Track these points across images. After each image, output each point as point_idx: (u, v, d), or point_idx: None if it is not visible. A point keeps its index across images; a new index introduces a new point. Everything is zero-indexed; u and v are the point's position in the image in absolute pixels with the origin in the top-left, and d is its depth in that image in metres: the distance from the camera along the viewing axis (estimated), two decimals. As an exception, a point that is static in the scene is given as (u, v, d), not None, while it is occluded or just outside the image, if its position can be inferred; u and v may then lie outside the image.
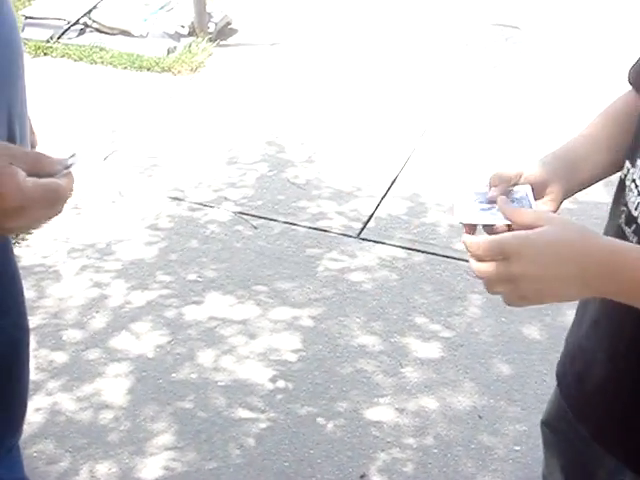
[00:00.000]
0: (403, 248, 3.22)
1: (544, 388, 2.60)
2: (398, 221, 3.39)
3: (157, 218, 3.42)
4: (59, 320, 2.87)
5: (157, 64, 4.66)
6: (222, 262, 3.16)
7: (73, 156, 1.15)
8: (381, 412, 2.54)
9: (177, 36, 4.93)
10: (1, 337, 1.68)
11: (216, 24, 5.00)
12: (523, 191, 1.09)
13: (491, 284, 0.94)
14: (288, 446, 2.42)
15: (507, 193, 1.07)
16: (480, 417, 2.52)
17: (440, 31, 5.09)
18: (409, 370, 2.69)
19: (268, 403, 2.56)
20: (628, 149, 1.15)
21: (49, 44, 4.79)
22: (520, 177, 1.11)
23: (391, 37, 5.00)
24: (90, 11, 4.98)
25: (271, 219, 3.40)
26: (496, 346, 2.78)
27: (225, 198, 3.54)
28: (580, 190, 1.19)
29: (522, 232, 0.93)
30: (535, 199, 1.08)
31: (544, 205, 1.11)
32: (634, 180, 1.08)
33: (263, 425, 2.49)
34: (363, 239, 3.30)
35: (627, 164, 1.13)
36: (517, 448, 2.41)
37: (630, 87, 1.23)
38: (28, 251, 3.21)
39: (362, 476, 2.33)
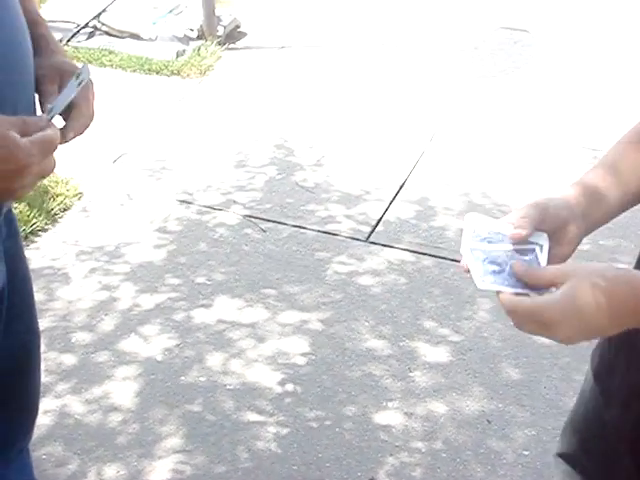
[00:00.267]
0: (412, 252, 3.22)
1: (553, 393, 2.59)
2: (407, 225, 3.38)
3: (166, 221, 3.42)
4: (68, 323, 2.88)
5: (166, 67, 4.66)
6: (231, 265, 3.16)
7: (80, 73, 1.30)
8: (390, 416, 2.53)
9: (186, 39, 4.93)
10: (14, 341, 1.69)
11: (225, 27, 5.00)
12: (537, 241, 1.06)
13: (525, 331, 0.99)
14: (297, 450, 2.42)
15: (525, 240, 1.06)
16: (489, 422, 2.52)
17: (449, 35, 5.08)
18: (418, 374, 2.68)
19: (277, 407, 2.56)
20: None
21: (59, 47, 4.80)
22: (544, 220, 1.06)
23: (400, 40, 5.00)
24: (99, 14, 4.99)
25: (280, 222, 3.40)
26: (505, 350, 2.77)
27: (234, 201, 3.54)
28: (602, 225, 1.15)
29: (548, 300, 0.95)
30: (552, 240, 1.06)
31: (560, 247, 1.08)
32: None
33: (272, 429, 2.49)
34: (372, 243, 3.29)
35: None
36: (526, 453, 2.40)
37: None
38: (37, 253, 3.21)
39: (371, 480, 2.33)
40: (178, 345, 2.79)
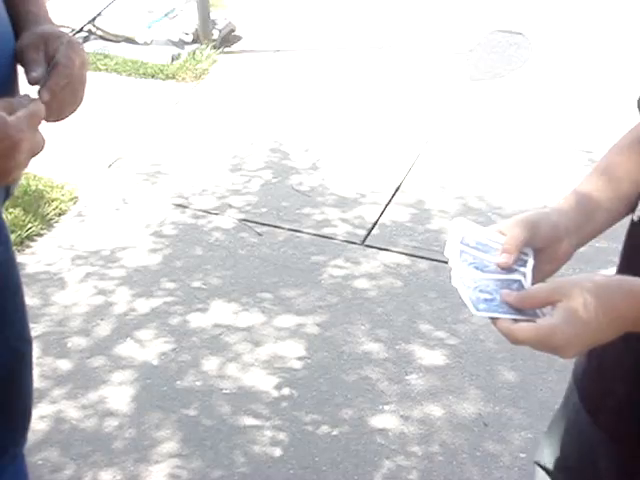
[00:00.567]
0: (407, 255, 3.22)
1: (550, 395, 2.59)
2: (402, 228, 3.38)
3: (161, 225, 3.42)
4: (64, 328, 2.87)
5: (161, 71, 4.67)
6: (227, 269, 3.16)
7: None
8: (386, 419, 2.53)
9: (181, 43, 4.93)
10: (5, 348, 1.68)
11: (220, 31, 5.00)
12: (524, 259, 1.05)
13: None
14: (293, 453, 2.42)
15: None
16: (485, 424, 2.52)
17: (444, 37, 5.09)
18: (414, 377, 2.68)
19: (273, 410, 2.56)
20: None
21: (54, 52, 4.79)
22: (533, 240, 1.06)
23: (395, 44, 5.00)
24: (94, 18, 4.99)
25: (275, 226, 3.40)
26: (501, 353, 2.77)
27: (229, 205, 3.54)
28: (595, 237, 1.15)
29: (554, 325, 0.94)
30: (543, 256, 1.06)
31: (550, 264, 1.07)
32: None
33: (268, 433, 2.48)
34: (367, 246, 3.29)
35: None
36: (523, 455, 2.40)
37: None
38: (32, 259, 3.21)
39: (367, 484, 2.33)
40: (174, 349, 2.79)
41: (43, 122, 1.36)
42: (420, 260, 3.19)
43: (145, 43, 4.91)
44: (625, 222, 1.17)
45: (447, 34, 5.13)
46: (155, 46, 4.89)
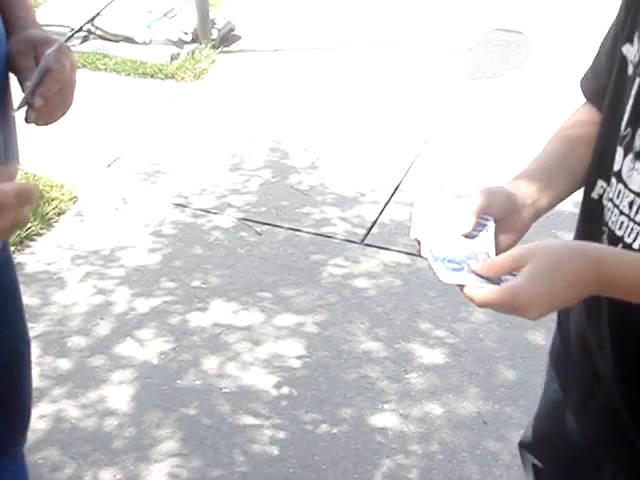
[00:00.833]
0: (407, 254, 3.22)
1: (549, 394, 2.59)
2: (402, 227, 3.38)
3: (161, 225, 3.42)
4: (63, 327, 2.88)
5: (160, 71, 4.67)
6: (226, 268, 3.16)
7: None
8: (386, 418, 2.54)
9: (180, 43, 4.93)
10: (3, 348, 1.69)
11: (219, 31, 5.00)
12: (487, 226, 1.12)
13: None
14: (293, 452, 2.42)
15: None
16: (485, 423, 2.52)
17: (443, 36, 5.09)
18: (414, 376, 2.69)
19: (273, 409, 2.56)
20: (598, 169, 1.14)
21: (53, 51, 4.79)
22: (490, 207, 1.12)
23: (394, 43, 5.00)
24: (94, 18, 4.98)
25: (275, 225, 3.41)
26: (501, 352, 2.77)
27: (229, 204, 3.54)
28: (548, 211, 1.21)
29: (517, 286, 0.97)
30: (502, 227, 1.12)
31: (510, 234, 1.12)
32: (611, 199, 1.08)
33: (268, 432, 2.49)
34: (367, 245, 3.30)
35: (601, 183, 1.13)
36: (522, 454, 2.40)
37: (581, 99, 1.26)
38: (32, 258, 3.21)
39: (367, 482, 2.33)
40: (174, 349, 2.79)
41: (36, 125, 1.38)
42: (419, 259, 3.18)
43: (144, 43, 4.91)
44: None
45: (446, 33, 5.13)
46: (154, 46, 4.89)
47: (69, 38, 4.88)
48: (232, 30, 5.15)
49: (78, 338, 2.83)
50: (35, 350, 2.63)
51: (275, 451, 2.42)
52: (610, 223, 1.08)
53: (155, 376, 2.69)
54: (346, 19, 5.32)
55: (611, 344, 1.13)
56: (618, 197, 1.06)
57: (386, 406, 2.58)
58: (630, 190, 1.04)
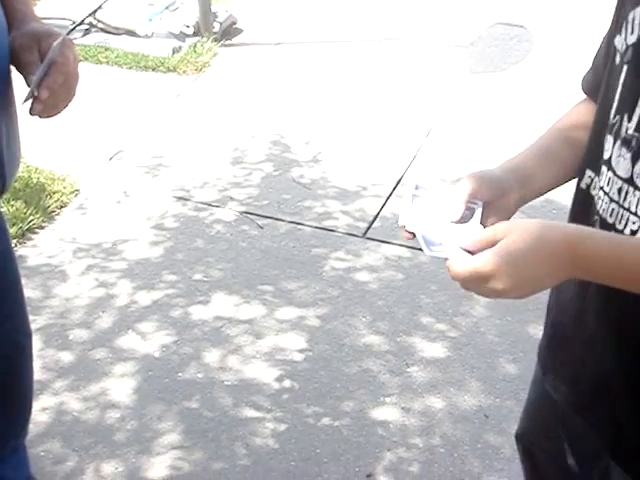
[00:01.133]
0: (409, 248, 3.22)
1: (550, 387, 2.59)
2: (404, 220, 3.37)
3: (162, 218, 3.42)
4: (65, 320, 2.88)
5: (162, 64, 4.66)
6: (228, 262, 3.16)
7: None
8: (387, 412, 2.54)
9: (182, 36, 4.93)
10: (5, 341, 1.69)
11: (221, 24, 4.99)
12: (475, 210, 1.13)
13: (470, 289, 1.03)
14: (294, 445, 2.42)
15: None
16: (486, 416, 2.52)
17: (445, 30, 5.08)
18: (415, 370, 2.69)
19: (274, 402, 2.56)
20: (587, 159, 1.16)
21: (54, 44, 4.78)
22: (478, 191, 1.14)
23: (396, 36, 4.99)
24: (95, 11, 4.98)
25: (277, 219, 3.40)
26: (502, 345, 2.78)
27: (230, 198, 3.54)
28: (534, 199, 1.22)
29: (487, 254, 0.98)
30: (491, 210, 1.13)
31: (496, 217, 1.13)
32: (602, 188, 1.09)
33: (269, 424, 2.49)
34: (369, 239, 3.29)
35: (589, 173, 1.14)
36: (523, 447, 2.41)
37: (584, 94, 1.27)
38: (34, 251, 3.21)
39: (368, 475, 2.33)
40: (176, 342, 2.79)
41: (40, 117, 1.38)
42: (421, 253, 3.17)
43: (146, 36, 4.90)
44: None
45: (448, 27, 5.12)
46: (156, 39, 4.88)
47: (70, 31, 4.87)
48: (234, 23, 5.14)
49: (80, 331, 2.84)
50: (37, 343, 2.63)
51: (277, 444, 2.43)
52: (601, 211, 1.09)
53: (157, 369, 2.69)
54: (348, 13, 5.31)
55: (602, 328, 1.13)
56: (608, 185, 1.08)
57: (387, 399, 2.58)
58: (618, 177, 1.06)
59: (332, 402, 2.57)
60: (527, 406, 1.47)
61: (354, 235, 3.31)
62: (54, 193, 3.49)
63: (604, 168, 1.09)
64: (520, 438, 1.48)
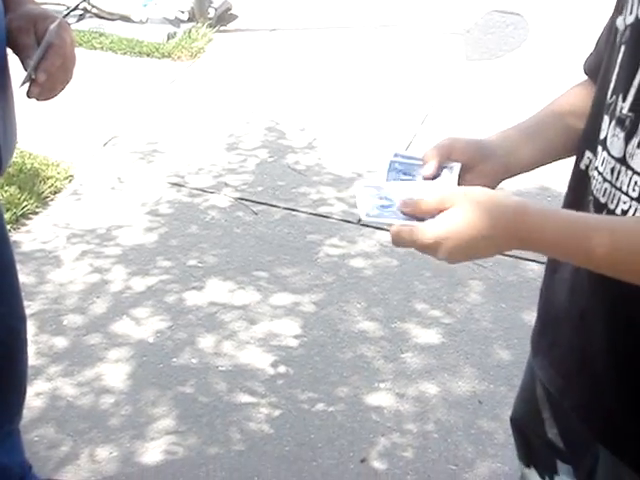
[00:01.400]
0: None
1: (544, 374, 2.60)
2: (398, 207, 3.37)
3: (157, 204, 3.42)
4: (59, 305, 2.88)
5: (157, 50, 4.64)
6: (222, 248, 3.16)
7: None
8: (381, 397, 2.54)
9: (177, 22, 4.91)
10: (0, 326, 1.69)
11: (216, 10, 4.98)
12: (452, 167, 1.14)
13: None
14: (289, 431, 2.43)
15: (440, 167, 1.14)
16: (480, 402, 2.53)
17: (441, 17, 5.07)
18: (409, 356, 2.69)
19: (269, 388, 2.57)
20: (586, 140, 1.16)
21: (48, 29, 4.76)
22: (453, 150, 1.16)
23: (392, 23, 4.98)
24: (89, -4, 4.96)
25: (271, 205, 3.40)
26: (496, 332, 2.78)
27: (225, 184, 3.53)
28: (520, 173, 1.23)
29: (427, 224, 0.99)
30: (473, 176, 1.15)
31: (478, 181, 1.12)
32: (596, 168, 1.10)
33: (264, 410, 2.49)
34: (363, 225, 3.29)
35: (588, 154, 1.14)
36: (517, 433, 2.41)
37: (580, 81, 1.27)
38: (28, 237, 3.20)
39: (362, 460, 2.34)
40: (170, 327, 2.79)
41: (37, 100, 1.38)
42: (416, 239, 3.19)
43: (140, 21, 4.88)
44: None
45: (444, 14, 5.11)
46: (151, 24, 4.86)
47: (65, 16, 4.85)
48: (229, 9, 5.12)
49: (74, 316, 2.83)
50: (31, 328, 2.63)
51: (271, 429, 2.43)
52: (595, 191, 1.09)
53: (151, 354, 2.69)
54: (344, -1, 5.29)
55: (595, 315, 1.13)
56: (602, 164, 1.08)
57: (382, 385, 2.58)
58: (612, 156, 1.06)
59: (326, 388, 2.57)
60: (521, 390, 1.47)
61: (349, 222, 3.31)
62: (48, 179, 3.48)
63: (600, 148, 1.09)
64: (514, 422, 1.49)
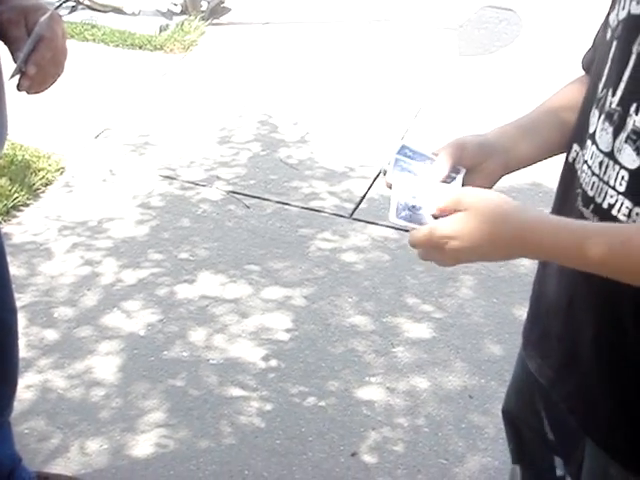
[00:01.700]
0: (395, 229, 3.22)
1: (535, 369, 2.60)
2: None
3: (149, 197, 3.41)
4: (50, 298, 2.87)
5: (149, 42, 4.63)
6: (214, 241, 3.16)
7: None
8: (372, 391, 2.54)
9: (170, 14, 4.89)
10: None
11: (209, 2, 4.96)
12: (459, 170, 1.16)
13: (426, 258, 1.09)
14: (279, 424, 2.43)
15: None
16: (471, 397, 2.53)
17: (434, 13, 5.06)
18: (400, 350, 2.69)
19: (260, 382, 2.57)
20: (575, 133, 1.18)
21: (40, 21, 4.74)
22: (463, 153, 1.17)
23: (385, 17, 4.98)
24: (82, -12, 4.94)
25: (263, 199, 3.40)
26: (487, 326, 2.79)
27: (217, 177, 3.53)
28: (518, 169, 1.25)
29: (439, 223, 1.04)
30: (474, 173, 1.17)
31: (480, 181, 1.15)
32: (585, 161, 1.11)
33: (255, 403, 2.49)
34: (355, 219, 3.29)
35: (575, 147, 1.16)
36: (507, 428, 2.42)
37: (572, 77, 1.28)
38: (19, 229, 3.19)
39: (353, 454, 2.34)
40: (161, 320, 2.79)
41: (27, 93, 1.37)
42: (407, 234, 3.18)
43: (133, 14, 4.87)
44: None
45: (437, 9, 5.11)
46: (143, 17, 4.85)
47: (57, 8, 4.83)
48: (222, 2, 5.11)
49: (65, 309, 2.82)
50: (22, 320, 2.62)
51: (262, 423, 2.43)
52: (584, 185, 1.10)
53: (142, 347, 2.68)
54: (337, -7, 5.28)
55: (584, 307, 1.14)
56: (591, 158, 1.09)
57: (373, 379, 2.59)
58: (600, 150, 1.07)
59: (317, 381, 2.57)
60: (512, 381, 1.48)
61: (341, 216, 3.31)
62: (39, 170, 3.47)
63: (589, 142, 1.10)
64: (506, 414, 1.49)
